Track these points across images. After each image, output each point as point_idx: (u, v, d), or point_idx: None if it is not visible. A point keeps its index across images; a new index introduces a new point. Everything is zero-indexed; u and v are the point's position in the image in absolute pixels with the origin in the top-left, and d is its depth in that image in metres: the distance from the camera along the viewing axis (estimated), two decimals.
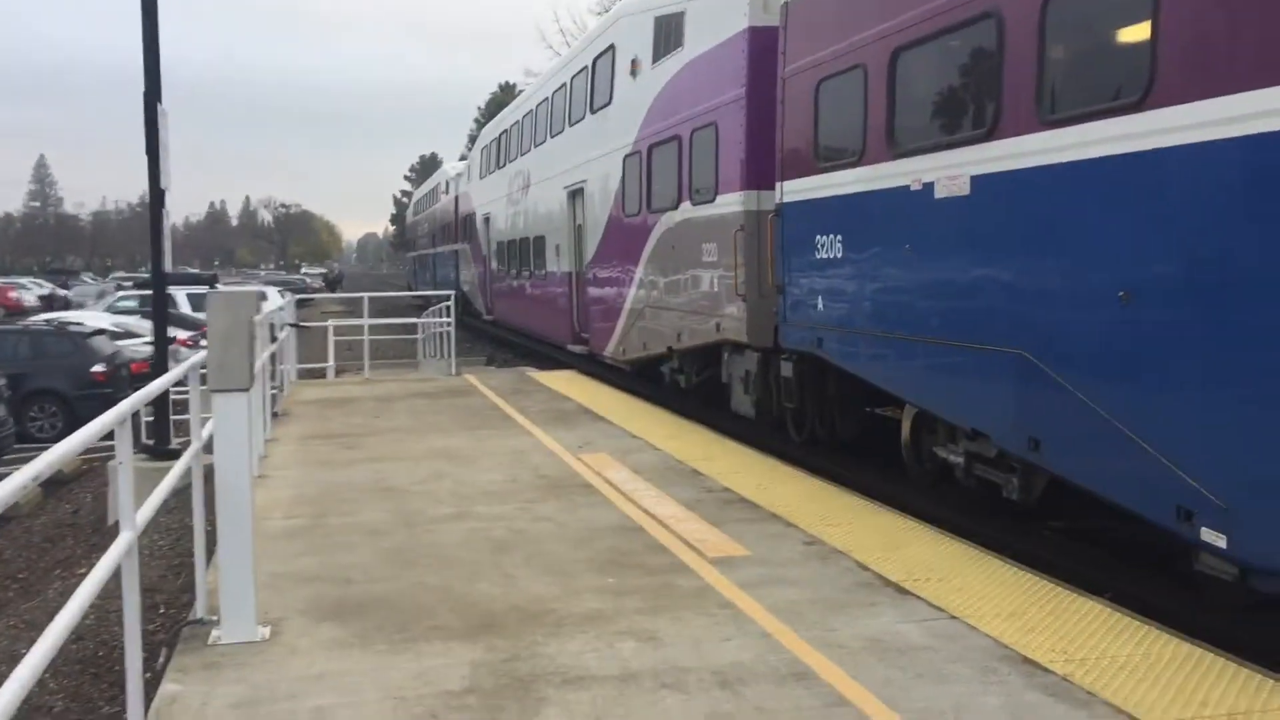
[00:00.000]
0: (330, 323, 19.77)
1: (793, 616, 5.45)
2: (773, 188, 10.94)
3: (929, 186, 8.03)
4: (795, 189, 10.41)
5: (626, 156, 16.17)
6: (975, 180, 7.49)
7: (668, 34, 14.43)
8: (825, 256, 9.76)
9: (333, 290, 74.89)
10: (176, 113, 11.32)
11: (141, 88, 10.95)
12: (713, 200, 12.75)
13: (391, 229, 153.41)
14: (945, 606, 5.57)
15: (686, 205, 13.73)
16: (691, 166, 13.50)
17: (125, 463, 3.92)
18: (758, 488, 8.49)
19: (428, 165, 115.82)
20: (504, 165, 28.14)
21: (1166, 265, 5.86)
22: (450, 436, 11.30)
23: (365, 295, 20.91)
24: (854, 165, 9.20)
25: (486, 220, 30.91)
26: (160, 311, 11.34)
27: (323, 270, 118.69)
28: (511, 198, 26.71)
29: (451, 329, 19.32)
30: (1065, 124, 6.60)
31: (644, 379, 16.74)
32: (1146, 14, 5.92)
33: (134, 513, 3.95)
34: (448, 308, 19.58)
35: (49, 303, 55.97)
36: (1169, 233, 5.82)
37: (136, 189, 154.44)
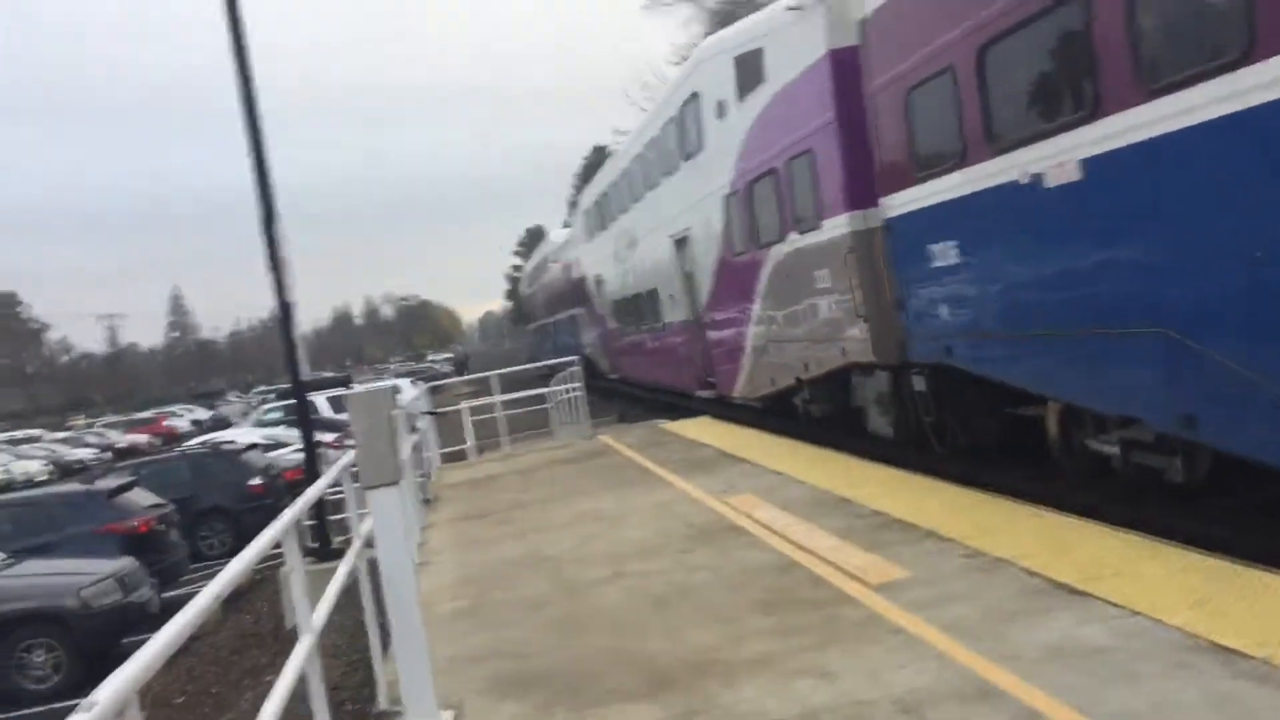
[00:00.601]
0: (464, 404, 20.25)
1: (965, 633, 5.33)
2: (876, 205, 10.86)
3: (1038, 177, 7.86)
4: (900, 202, 10.30)
5: (726, 197, 16.25)
6: (1086, 163, 7.31)
7: (749, 71, 14.53)
8: (942, 264, 9.60)
9: (460, 373, 76.67)
10: (285, 222, 11.84)
11: (250, 209, 11.52)
12: (818, 226, 12.70)
13: (508, 304, 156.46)
14: (1124, 603, 5.38)
15: (793, 235, 13.70)
16: (792, 197, 13.49)
17: (297, 569, 4.09)
18: (908, 507, 8.35)
19: (534, 237, 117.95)
20: (607, 226, 28.63)
21: None
22: (595, 499, 11.41)
23: (493, 374, 21.35)
24: (957, 168, 9.06)
25: (599, 281, 31.51)
26: (304, 419, 11.80)
27: (448, 355, 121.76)
28: (619, 255, 27.19)
29: (581, 393, 19.55)
30: (1171, 90, 6.41)
31: (776, 414, 16.60)
32: None
33: (310, 616, 4.12)
34: (574, 373, 19.85)
35: (201, 426, 58.73)
36: None
37: (264, 306, 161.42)
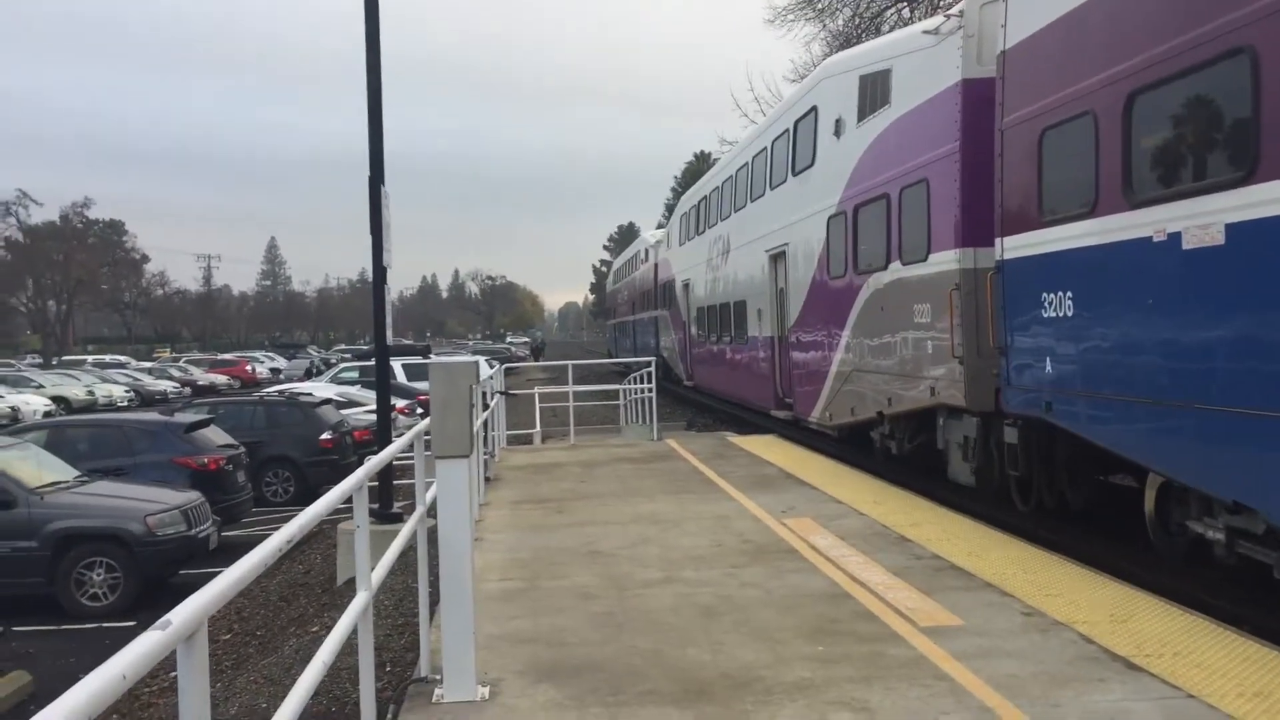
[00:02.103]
0: (536, 390, 20.42)
1: (1014, 691, 5.24)
2: (990, 244, 10.46)
3: (1175, 237, 7.42)
4: (1018, 245, 9.83)
5: (831, 218, 15.87)
6: (1231, 228, 6.87)
7: (873, 92, 14.11)
8: (1055, 315, 9.15)
9: (536, 358, 77.35)
10: (390, 188, 12.05)
11: (360, 171, 11.74)
12: (925, 259, 12.29)
13: (591, 297, 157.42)
14: (1180, 684, 5.25)
15: (896, 265, 13.24)
16: (901, 225, 13.06)
17: (363, 527, 4.17)
18: (969, 555, 8.24)
19: (626, 235, 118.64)
20: (703, 231, 28.25)
21: None
22: (654, 501, 11.44)
23: (569, 363, 21.49)
24: (1086, 217, 8.58)
25: (686, 286, 31.16)
26: (383, 382, 11.99)
27: (526, 339, 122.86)
28: (711, 263, 26.80)
29: (653, 395, 19.61)
30: None
31: (851, 445, 16.28)
32: None
33: (369, 574, 4.20)
34: (649, 374, 19.91)
35: (278, 375, 60.00)
36: None
37: (355, 266, 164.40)
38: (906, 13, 33.07)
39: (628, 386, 22.91)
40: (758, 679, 5.59)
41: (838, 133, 15.59)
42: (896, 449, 14.03)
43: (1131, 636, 6.05)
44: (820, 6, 35.10)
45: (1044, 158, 9.33)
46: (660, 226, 54.04)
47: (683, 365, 32.65)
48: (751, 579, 7.75)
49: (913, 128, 12.76)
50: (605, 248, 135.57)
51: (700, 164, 75.13)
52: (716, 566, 8.19)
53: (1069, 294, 8.91)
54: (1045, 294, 9.26)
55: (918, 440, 13.41)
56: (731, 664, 5.85)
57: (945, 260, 11.75)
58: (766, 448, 16.03)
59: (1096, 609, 6.64)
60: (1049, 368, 9.27)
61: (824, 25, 36.07)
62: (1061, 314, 9.02)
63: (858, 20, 34.12)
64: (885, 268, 13.61)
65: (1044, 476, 10.29)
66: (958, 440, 11.88)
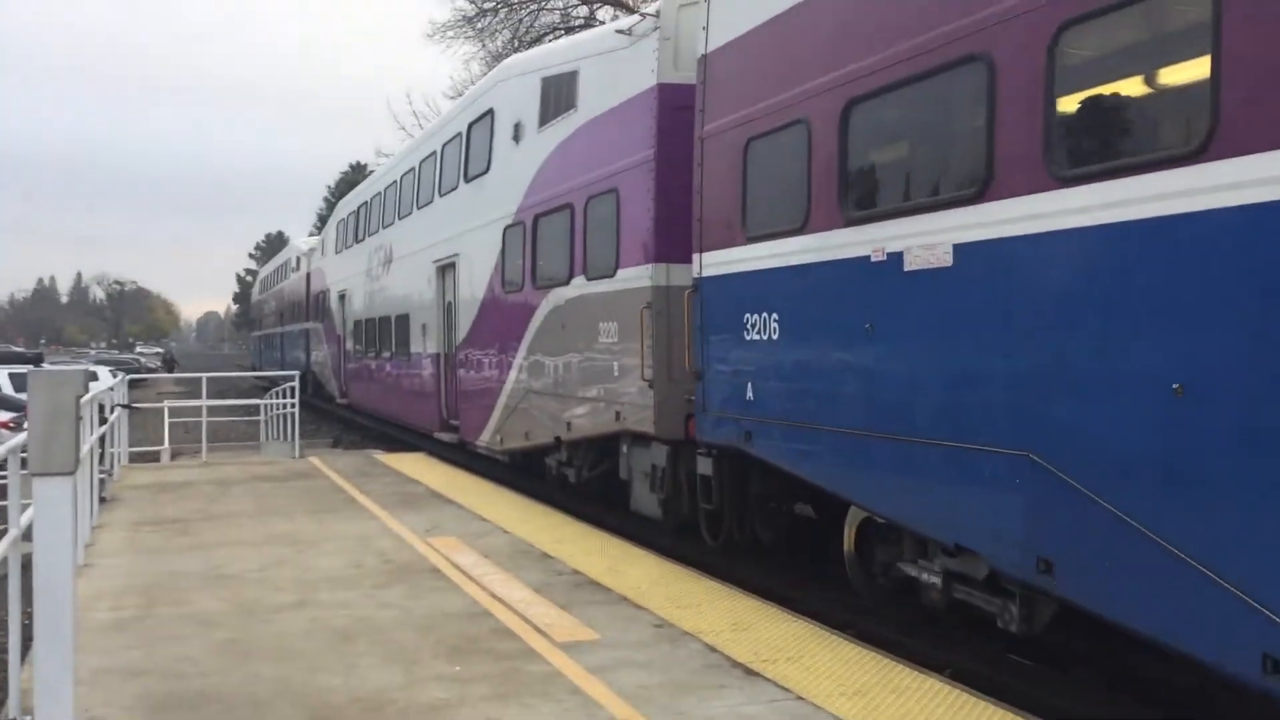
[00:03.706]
0: (165, 403, 19.01)
1: (642, 700, 5.41)
2: (686, 261, 9.71)
3: (895, 257, 6.84)
4: (719, 261, 9.08)
5: (508, 228, 14.82)
6: (959, 249, 6.30)
7: (558, 95, 13.20)
8: (758, 337, 8.46)
9: (170, 370, 72.05)
10: (6, 183, 10.83)
11: None
12: (613, 274, 11.39)
13: (235, 308, 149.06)
14: (791, 686, 5.62)
15: (580, 280, 12.33)
16: (586, 238, 12.17)
17: None
18: (608, 570, 8.45)
19: (274, 244, 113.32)
20: (363, 239, 26.48)
21: (1238, 348, 4.70)
22: (293, 521, 10.92)
23: (204, 375, 20.18)
24: (796, 233, 7.91)
25: (342, 298, 29.38)
26: None
27: (159, 349, 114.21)
28: (371, 274, 25.14)
29: (295, 410, 18.78)
30: (1077, 183, 5.49)
31: (523, 472, 15.16)
32: (1204, 49, 4.87)
33: None
34: (292, 388, 19.05)
35: None
36: (1239, 308, 4.71)
37: None
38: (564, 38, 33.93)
39: (270, 401, 21.82)
40: (390, 701, 5.43)
41: (516, 138, 14.62)
42: (575, 477, 13.02)
43: (751, 644, 6.42)
44: (480, 27, 35.31)
45: (749, 169, 8.64)
46: (312, 235, 51.67)
47: (336, 382, 30.84)
48: (391, 599, 7.55)
49: (602, 134, 11.91)
50: (251, 256, 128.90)
51: (355, 174, 73.01)
52: (355, 588, 7.91)
53: (774, 315, 8.28)
54: (748, 315, 8.59)
55: (599, 468, 12.54)
56: (364, 688, 5.65)
57: (636, 276, 10.90)
58: (414, 466, 15.75)
59: (721, 619, 7.00)
60: (750, 394, 8.61)
61: (483, 45, 36.31)
62: (766, 336, 8.37)
63: (516, 43, 34.58)
64: (567, 282, 12.70)
65: (736, 510, 9.64)
66: (643, 469, 11.00)
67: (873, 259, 7.08)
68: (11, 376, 26.58)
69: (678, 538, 10.70)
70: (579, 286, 12.41)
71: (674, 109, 10.27)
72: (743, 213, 8.73)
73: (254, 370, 52.21)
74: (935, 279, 6.54)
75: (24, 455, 5.38)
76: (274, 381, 27.18)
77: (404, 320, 21.56)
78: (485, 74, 29.87)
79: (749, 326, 8.60)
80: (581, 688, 5.62)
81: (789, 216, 8.05)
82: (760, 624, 6.90)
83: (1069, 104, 5.71)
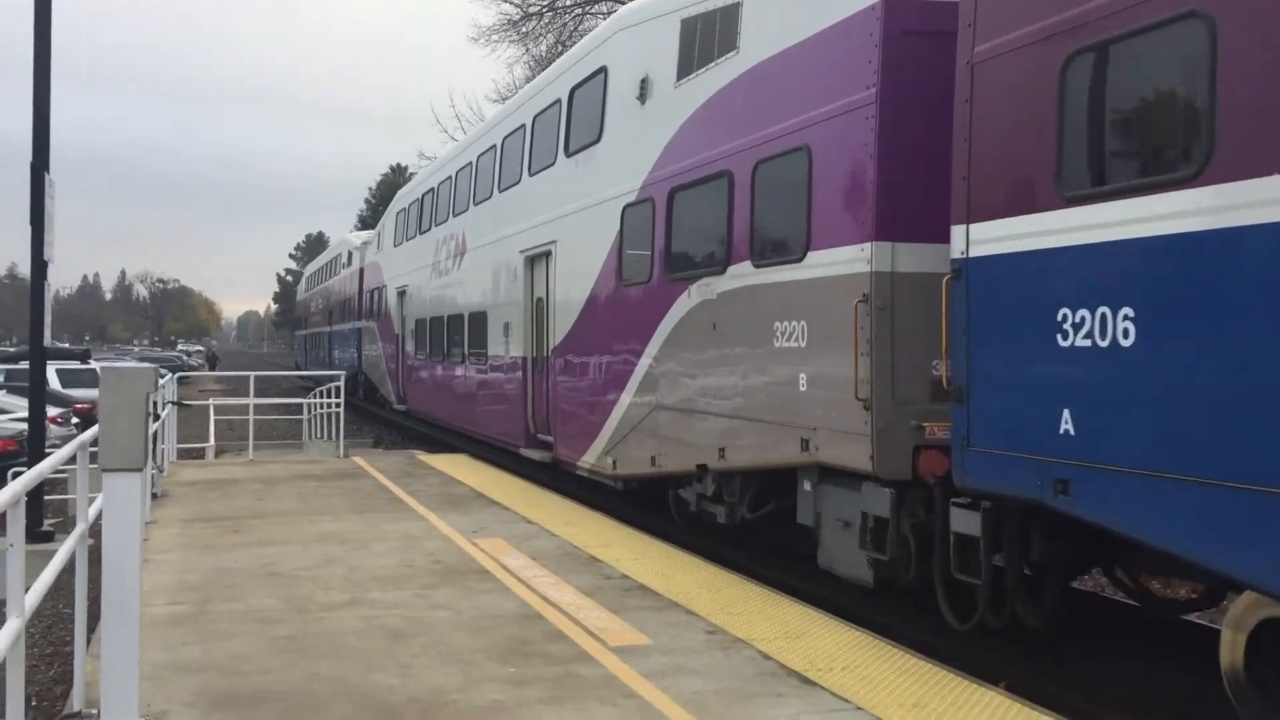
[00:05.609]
0: (212, 401, 19.23)
1: (700, 707, 5.40)
2: (923, 238, 7.71)
3: None
4: (1008, 233, 6.64)
5: (628, 206, 12.29)
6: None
7: (707, 37, 10.73)
8: (1089, 343, 6.00)
9: (212, 368, 72.82)
10: (57, 182, 10.98)
11: (9, 159, 10.63)
12: (801, 258, 8.81)
13: (274, 307, 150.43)
14: (849, 696, 5.59)
15: (743, 267, 9.75)
16: (754, 213, 9.65)
17: (18, 545, 3.72)
18: (657, 575, 8.45)
19: (314, 244, 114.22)
20: (428, 230, 23.52)
21: None
22: (340, 520, 11.00)
23: (251, 374, 20.40)
24: (1184, 184, 5.42)
25: (401, 294, 26.33)
26: (39, 388, 10.86)
27: (200, 347, 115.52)
28: (438, 267, 22.26)
29: (340, 410, 18.94)
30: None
31: (634, 501, 13.06)
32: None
33: (23, 598, 3.74)
34: (337, 388, 19.21)
35: None
36: None
37: (2, 259, 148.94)
38: None
39: (313, 400, 22.02)
40: (449, 702, 5.46)
41: (643, 96, 12.09)
42: (727, 516, 10.34)
43: (804, 652, 6.39)
44: (524, 30, 35.44)
45: (1067, 97, 6.24)
46: (357, 228, 51.08)
47: (393, 385, 27.47)
48: (442, 600, 7.60)
49: (782, 78, 9.38)
50: (292, 256, 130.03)
51: (396, 176, 73.38)
52: (406, 588, 7.97)
53: (1126, 310, 5.82)
54: (1066, 310, 6.20)
55: (763, 508, 9.99)
56: (420, 688, 5.68)
57: (841, 260, 8.30)
58: (457, 467, 15.84)
59: (772, 626, 6.98)
60: (1068, 424, 6.17)
61: (527, 49, 36.43)
62: (1107, 341, 5.95)
63: (560, 47, 34.70)
64: (723, 271, 10.11)
65: (1016, 583, 7.15)
66: (842, 517, 8.46)
67: None
68: (59, 373, 26.98)
69: (733, 544, 10.57)
70: (740, 275, 9.82)
71: (902, 34, 7.93)
72: (1057, 161, 6.29)
73: (298, 370, 51.78)
74: None
75: (93, 450, 5.47)
76: (318, 381, 27.11)
77: (480, 319, 18.85)
78: (531, 78, 29.91)
79: (1068, 326, 6.17)
80: (638, 691, 5.62)
81: (1163, 160, 5.72)
82: (812, 632, 6.87)
83: None
